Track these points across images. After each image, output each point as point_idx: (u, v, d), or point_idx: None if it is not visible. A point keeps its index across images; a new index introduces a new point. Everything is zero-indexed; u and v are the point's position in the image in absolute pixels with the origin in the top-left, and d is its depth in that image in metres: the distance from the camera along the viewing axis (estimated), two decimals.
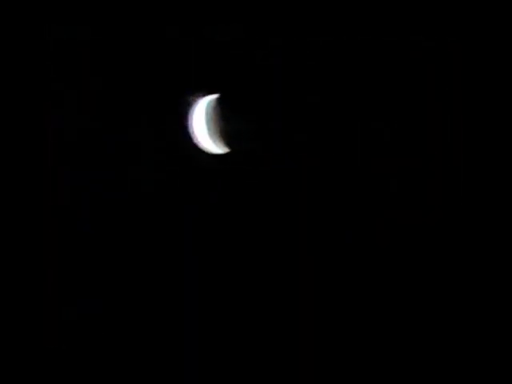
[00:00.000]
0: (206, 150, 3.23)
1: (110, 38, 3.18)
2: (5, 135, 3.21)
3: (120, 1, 3.18)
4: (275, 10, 3.14)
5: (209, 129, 3.20)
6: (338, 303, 3.13)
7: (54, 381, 3.19)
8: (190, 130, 3.21)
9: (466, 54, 3.08)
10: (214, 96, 3.20)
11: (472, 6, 3.06)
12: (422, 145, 3.12)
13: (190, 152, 3.21)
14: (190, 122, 3.20)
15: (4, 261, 3.20)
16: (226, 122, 3.18)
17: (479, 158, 3.09)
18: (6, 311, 3.19)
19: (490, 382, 3.05)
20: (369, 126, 3.13)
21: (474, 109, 3.08)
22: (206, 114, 3.20)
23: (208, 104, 3.21)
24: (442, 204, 3.11)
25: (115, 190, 3.22)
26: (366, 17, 3.11)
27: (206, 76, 3.18)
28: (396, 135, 3.13)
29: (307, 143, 3.15)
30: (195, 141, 3.22)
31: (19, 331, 3.19)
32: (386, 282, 3.13)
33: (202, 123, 3.21)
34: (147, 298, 3.21)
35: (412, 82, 3.11)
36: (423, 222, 3.12)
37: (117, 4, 3.18)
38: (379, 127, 3.13)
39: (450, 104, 3.09)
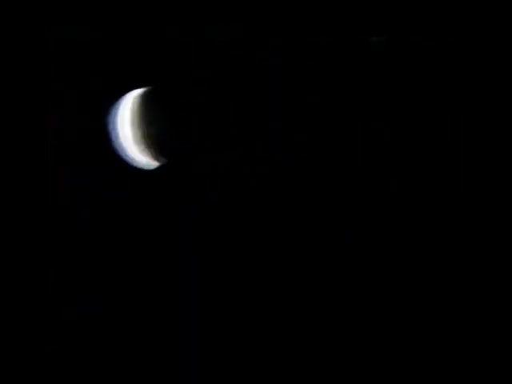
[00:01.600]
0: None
1: (110, 37, 3.18)
2: (5, 135, 3.21)
3: (120, 1, 3.18)
4: (275, 10, 3.14)
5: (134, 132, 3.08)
6: (338, 303, 3.13)
7: (54, 381, 3.19)
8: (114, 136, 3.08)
9: (466, 54, 3.08)
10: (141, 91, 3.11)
11: (472, 5, 3.06)
12: (422, 145, 3.12)
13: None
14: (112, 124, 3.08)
15: (4, 261, 3.20)
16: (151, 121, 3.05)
17: (479, 157, 3.09)
18: (6, 311, 3.19)
19: (490, 382, 3.05)
20: (369, 126, 3.13)
21: (474, 109, 3.08)
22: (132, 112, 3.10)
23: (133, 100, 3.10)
24: (442, 204, 3.11)
25: (115, 190, 3.22)
26: (366, 17, 3.11)
27: (206, 76, 3.18)
28: (396, 135, 3.13)
29: (307, 143, 3.15)
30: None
31: (19, 331, 3.19)
32: (386, 282, 3.13)
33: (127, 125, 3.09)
34: (147, 298, 3.21)
35: (412, 82, 3.11)
36: (423, 222, 3.12)
37: (117, 4, 3.18)
38: (379, 127, 3.13)
39: (450, 104, 3.09)
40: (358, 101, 3.13)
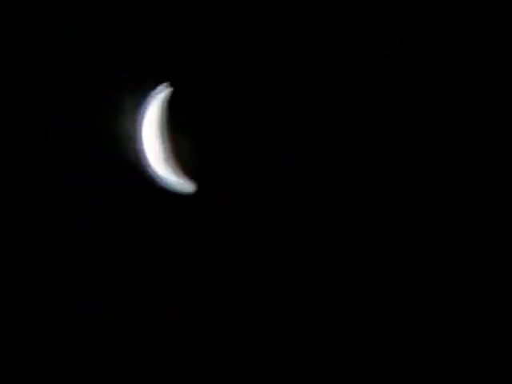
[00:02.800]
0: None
1: (110, 37, 3.18)
2: (5, 135, 3.21)
3: (120, 1, 3.18)
4: (275, 10, 3.14)
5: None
6: (338, 303, 3.14)
7: (54, 381, 3.19)
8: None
9: (466, 54, 3.08)
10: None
11: (472, 5, 3.06)
12: (422, 145, 3.12)
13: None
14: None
15: (4, 261, 3.20)
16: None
17: (479, 157, 3.09)
18: (6, 311, 3.19)
19: (489, 382, 3.05)
20: (369, 126, 3.13)
21: (474, 109, 3.09)
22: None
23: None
24: (442, 204, 3.11)
25: (115, 190, 3.22)
26: (366, 17, 3.11)
27: (206, 76, 3.19)
28: (396, 135, 3.13)
29: (307, 143, 3.15)
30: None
31: (19, 331, 3.19)
32: (386, 282, 3.13)
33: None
34: (147, 298, 3.21)
35: (412, 82, 3.11)
36: (423, 222, 3.12)
37: (117, 4, 3.18)
38: (379, 127, 3.13)
39: (450, 104, 3.10)
40: (358, 101, 3.13)
